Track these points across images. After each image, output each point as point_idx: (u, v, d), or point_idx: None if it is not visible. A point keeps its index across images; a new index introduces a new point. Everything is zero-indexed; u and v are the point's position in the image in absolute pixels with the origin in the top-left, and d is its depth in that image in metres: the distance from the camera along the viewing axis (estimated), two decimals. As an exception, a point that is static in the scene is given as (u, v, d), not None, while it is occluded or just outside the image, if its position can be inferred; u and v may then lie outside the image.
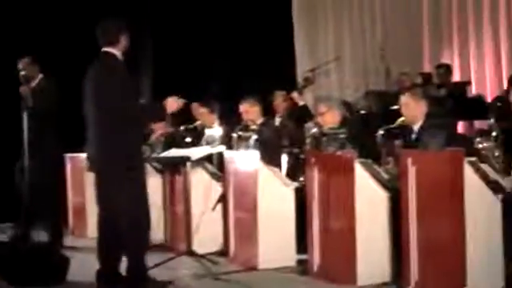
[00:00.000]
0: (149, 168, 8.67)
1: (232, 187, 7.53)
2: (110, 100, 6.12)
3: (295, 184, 7.28)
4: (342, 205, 6.30)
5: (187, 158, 7.58)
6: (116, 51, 6.26)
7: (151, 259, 7.29)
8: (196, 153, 7.77)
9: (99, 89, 6.19)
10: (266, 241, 7.07)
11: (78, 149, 7.46)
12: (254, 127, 8.11)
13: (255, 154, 7.23)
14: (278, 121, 10.06)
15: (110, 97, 6.12)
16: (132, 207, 6.17)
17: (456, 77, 11.44)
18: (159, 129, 9.46)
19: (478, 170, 5.42)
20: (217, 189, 7.88)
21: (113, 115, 6.11)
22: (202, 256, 7.29)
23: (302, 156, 7.65)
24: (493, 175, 5.49)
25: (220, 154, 8.00)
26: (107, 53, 6.26)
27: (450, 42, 11.87)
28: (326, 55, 13.11)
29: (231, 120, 8.81)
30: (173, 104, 6.45)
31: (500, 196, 5.46)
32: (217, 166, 8.19)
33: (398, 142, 6.81)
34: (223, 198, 7.73)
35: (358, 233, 6.13)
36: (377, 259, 6.19)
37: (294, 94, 10.09)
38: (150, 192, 8.58)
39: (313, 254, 6.65)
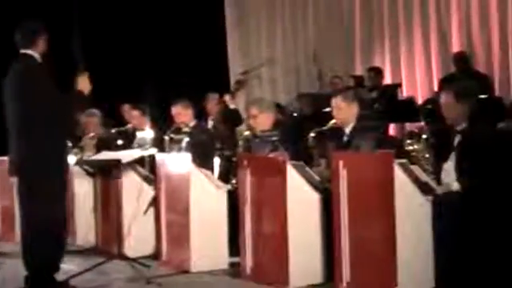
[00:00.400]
0: (80, 171, 8.59)
1: (164, 190, 7.47)
2: (30, 102, 6.09)
3: (227, 186, 7.26)
4: (274, 207, 6.29)
5: (118, 161, 7.50)
6: (34, 53, 6.24)
7: (83, 263, 7.23)
8: (127, 155, 7.70)
9: (18, 91, 6.14)
10: (199, 244, 7.03)
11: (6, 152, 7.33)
12: (186, 130, 8.06)
13: (187, 157, 7.19)
14: (210, 123, 10.05)
15: (30, 99, 6.09)
16: (49, 210, 6.09)
17: (388, 80, 11.58)
18: (91, 131, 9.37)
19: (408, 172, 5.47)
20: (149, 192, 7.81)
21: (32, 117, 6.08)
22: (134, 260, 7.22)
23: (235, 158, 7.63)
24: (422, 177, 5.55)
25: (152, 157, 7.94)
26: (25, 54, 6.24)
27: (382, 45, 12.02)
28: (259, 58, 13.14)
29: (163, 122, 8.76)
30: (84, 82, 6.39)
31: (430, 197, 5.51)
32: (149, 169, 8.13)
33: (329, 144, 6.84)
34: (155, 201, 7.67)
35: (290, 235, 6.13)
36: (309, 261, 6.20)
37: (226, 97, 10.08)
38: (81, 195, 8.57)
39: (245, 256, 6.63)
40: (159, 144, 8.19)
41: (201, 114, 9.67)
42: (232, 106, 10.16)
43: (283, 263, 6.15)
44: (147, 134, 8.87)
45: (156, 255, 7.64)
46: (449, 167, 5.91)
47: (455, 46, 11.03)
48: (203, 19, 12.70)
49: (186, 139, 7.83)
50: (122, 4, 12.69)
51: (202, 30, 12.60)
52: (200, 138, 8.07)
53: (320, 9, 12.85)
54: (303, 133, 7.30)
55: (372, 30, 12.20)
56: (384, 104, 9.73)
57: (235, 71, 12.90)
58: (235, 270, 6.90)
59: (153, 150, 7.95)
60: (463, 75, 9.91)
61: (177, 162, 7.34)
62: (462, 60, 10.28)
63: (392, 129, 10.66)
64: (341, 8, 12.61)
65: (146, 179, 7.95)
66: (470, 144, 5.80)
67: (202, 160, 7.51)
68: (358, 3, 12.34)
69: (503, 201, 5.25)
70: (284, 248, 6.14)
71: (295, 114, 10.08)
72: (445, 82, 9.72)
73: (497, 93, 10.22)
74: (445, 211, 5.39)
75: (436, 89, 10.45)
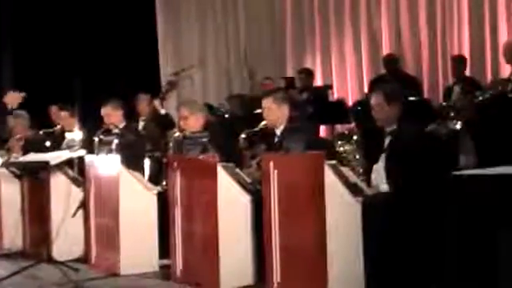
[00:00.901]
0: (6, 173, 8.44)
1: (93, 192, 7.40)
2: None
3: (158, 188, 7.21)
4: (204, 208, 6.27)
5: (46, 163, 7.39)
6: None
7: (10, 267, 7.11)
8: (55, 157, 7.59)
9: None
10: (128, 246, 6.96)
11: None
12: (116, 131, 7.96)
13: (116, 159, 7.11)
14: (141, 124, 9.94)
15: None
16: None
17: (318, 81, 11.63)
18: (18, 133, 9.21)
19: (338, 173, 5.48)
20: (77, 194, 7.69)
21: None
22: (62, 263, 7.11)
23: (165, 160, 7.57)
24: (352, 178, 5.57)
25: (81, 159, 7.83)
26: None
27: (313, 47, 12.08)
28: (191, 59, 13.08)
29: (93, 124, 8.64)
30: (13, 99, 6.29)
31: (359, 198, 5.53)
32: (77, 171, 8.01)
33: (260, 146, 6.83)
34: (84, 204, 7.56)
35: (220, 236, 6.10)
36: (240, 262, 6.18)
37: (156, 102, 9.95)
38: (8, 198, 8.43)
39: (176, 258, 6.59)
40: (88, 145, 8.07)
41: (132, 115, 9.57)
42: (162, 112, 10.03)
43: (214, 265, 6.12)
44: (76, 135, 8.74)
45: (85, 258, 7.55)
46: (379, 168, 5.94)
47: (385, 48, 11.13)
48: (134, 20, 12.59)
49: (116, 141, 7.73)
50: (53, 3, 12.50)
51: (132, 31, 12.49)
52: (130, 140, 7.98)
53: (251, 10, 12.85)
54: (234, 134, 7.27)
55: (303, 32, 12.24)
56: (315, 105, 9.76)
57: (166, 72, 12.81)
58: (165, 272, 6.86)
59: (81, 152, 7.84)
60: (393, 77, 10.01)
61: (106, 164, 7.26)
62: (392, 62, 10.38)
63: (323, 130, 10.71)
64: (272, 10, 12.63)
65: (74, 181, 7.84)
66: (400, 145, 5.84)
67: (132, 162, 7.44)
68: (289, 5, 12.38)
69: (431, 202, 5.29)
70: (215, 250, 6.11)
71: (226, 116, 10.05)
72: (375, 84, 9.79)
73: (426, 95, 10.35)
74: (374, 212, 5.42)
75: (366, 90, 10.53)
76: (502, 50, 8.92)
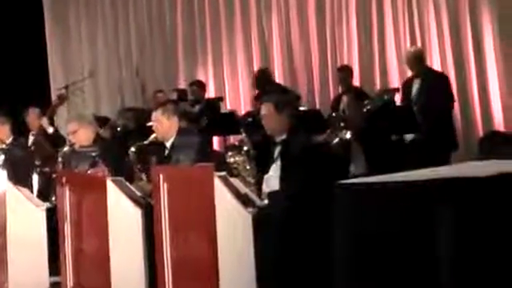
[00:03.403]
0: None
1: (-22, 211, 7.20)
2: None
3: (46, 204, 7.07)
4: (94, 224, 6.15)
5: None
6: None
7: None
8: None
9: None
10: (17, 264, 6.79)
11: None
12: (2, 146, 7.78)
13: (3, 175, 6.94)
14: (31, 139, 9.74)
15: None
16: None
17: (212, 94, 11.63)
18: None
19: (227, 185, 5.46)
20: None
21: None
22: None
23: (54, 175, 7.44)
24: (242, 189, 5.55)
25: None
26: None
27: (205, 59, 12.07)
28: (81, 72, 12.92)
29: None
30: None
31: (250, 209, 5.52)
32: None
33: (151, 159, 6.78)
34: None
35: (111, 252, 5.98)
36: (132, 277, 6.07)
37: (44, 120, 9.72)
38: None
39: (66, 275, 6.45)
40: (-26, 162, 7.87)
41: (21, 130, 9.36)
42: (50, 130, 9.78)
43: (105, 281, 6.01)
44: (-39, 151, 8.51)
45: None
46: (269, 178, 5.97)
47: (277, 60, 11.23)
48: (21, 31, 12.34)
49: (2, 156, 7.57)
50: None
51: (20, 44, 12.24)
52: (17, 155, 7.82)
53: (142, 22, 12.76)
54: (125, 147, 7.20)
55: (195, 45, 12.23)
56: (206, 117, 9.76)
57: (56, 85, 12.59)
58: (56, 289, 6.73)
59: (-34, 169, 7.64)
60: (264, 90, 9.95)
61: (-8, 181, 7.09)
62: (262, 76, 10.39)
63: (216, 142, 10.71)
64: (163, 21, 12.57)
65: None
66: (289, 154, 5.88)
67: (20, 178, 7.28)
68: (180, 17, 12.34)
69: (318, 211, 5.32)
70: (105, 265, 5.99)
71: (118, 129, 9.94)
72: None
73: (317, 105, 10.50)
74: (264, 223, 5.43)
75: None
76: (405, 57, 9.07)
